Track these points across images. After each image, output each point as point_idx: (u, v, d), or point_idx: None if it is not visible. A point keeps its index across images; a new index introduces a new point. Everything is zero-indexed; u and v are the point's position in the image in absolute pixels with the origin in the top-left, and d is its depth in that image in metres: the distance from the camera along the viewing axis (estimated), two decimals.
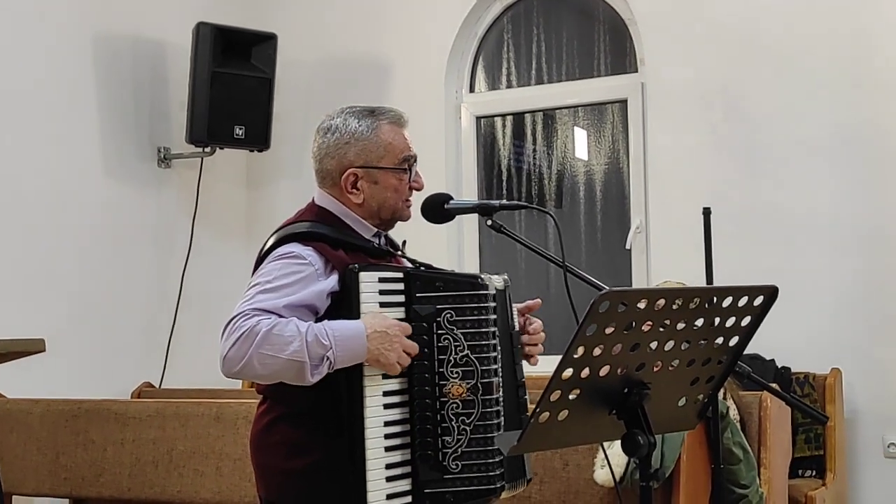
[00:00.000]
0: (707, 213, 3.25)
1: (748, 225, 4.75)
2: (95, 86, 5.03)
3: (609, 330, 1.85)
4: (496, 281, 2.37)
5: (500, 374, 2.31)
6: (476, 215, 2.54)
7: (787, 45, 4.74)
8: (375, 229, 2.42)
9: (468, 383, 2.24)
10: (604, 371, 1.90)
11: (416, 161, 2.44)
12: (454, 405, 2.24)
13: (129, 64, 5.20)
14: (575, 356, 1.84)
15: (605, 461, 3.14)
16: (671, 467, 3.21)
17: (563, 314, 2.33)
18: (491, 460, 2.26)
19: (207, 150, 5.25)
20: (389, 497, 2.21)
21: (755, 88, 4.80)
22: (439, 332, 2.25)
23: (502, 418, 2.30)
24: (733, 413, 3.58)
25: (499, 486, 2.29)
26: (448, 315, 2.25)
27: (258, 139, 5.24)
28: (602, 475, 3.23)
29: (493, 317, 2.29)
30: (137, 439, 4.03)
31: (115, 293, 5.06)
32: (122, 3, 5.17)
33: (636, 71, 5.17)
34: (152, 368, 5.12)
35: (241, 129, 5.16)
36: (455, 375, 2.24)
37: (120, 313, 5.07)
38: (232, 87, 5.11)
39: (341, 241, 2.34)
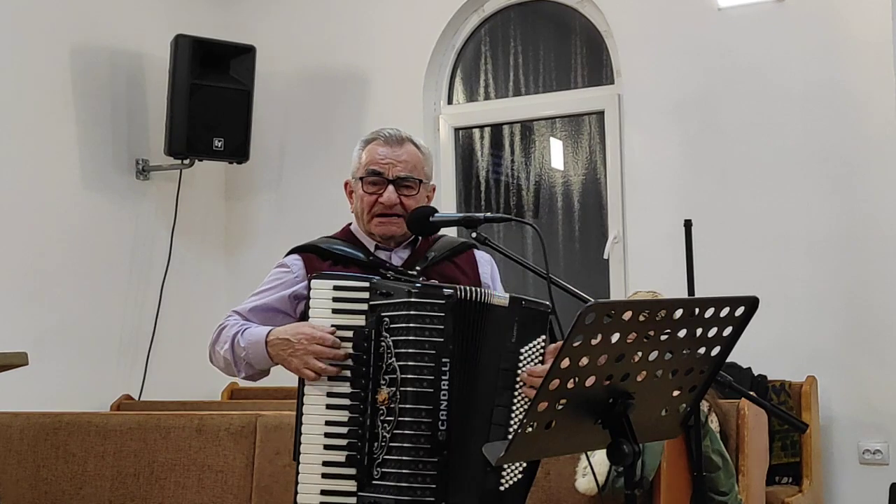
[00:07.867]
0: (688, 225, 3.27)
1: (724, 235, 4.78)
2: (74, 98, 5.01)
3: (595, 341, 1.85)
4: (497, 299, 2.34)
5: (444, 387, 2.24)
6: (456, 227, 2.56)
7: (761, 59, 4.79)
8: (375, 243, 2.56)
9: (390, 391, 2.23)
10: (589, 381, 1.91)
11: (389, 178, 2.52)
12: (381, 412, 2.24)
13: (108, 76, 5.19)
14: (562, 367, 1.85)
15: (588, 469, 3.15)
16: (652, 475, 3.23)
17: None
18: (416, 472, 2.20)
19: (186, 162, 5.25)
20: (325, 493, 2.24)
21: (730, 101, 4.84)
22: (379, 339, 2.26)
23: (440, 432, 2.22)
24: (714, 424, 3.60)
25: (426, 500, 2.21)
26: (387, 322, 2.26)
27: (237, 151, 5.24)
28: (584, 483, 3.23)
29: (437, 327, 2.24)
30: (118, 452, 3.99)
31: (94, 305, 5.03)
32: (101, 16, 5.15)
33: (612, 83, 5.20)
34: (132, 381, 5.10)
35: (219, 141, 5.16)
36: (384, 382, 2.24)
37: (99, 325, 5.05)
38: (211, 100, 5.11)
39: (333, 253, 2.52)
